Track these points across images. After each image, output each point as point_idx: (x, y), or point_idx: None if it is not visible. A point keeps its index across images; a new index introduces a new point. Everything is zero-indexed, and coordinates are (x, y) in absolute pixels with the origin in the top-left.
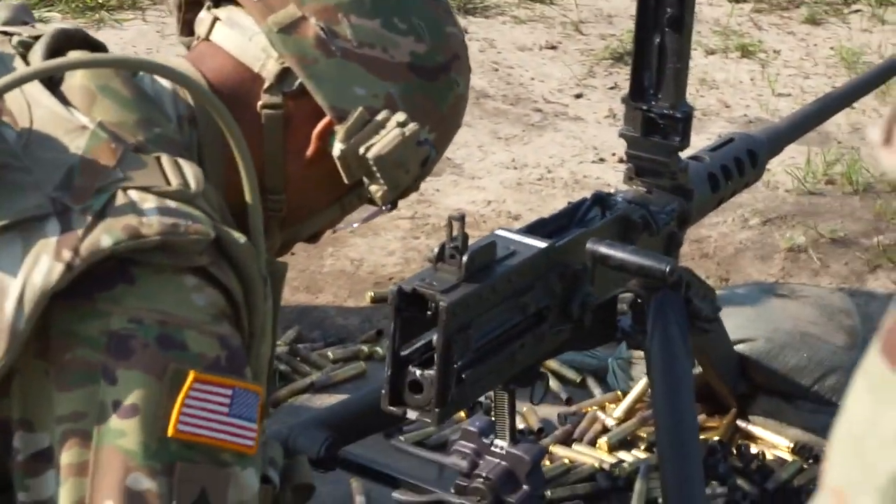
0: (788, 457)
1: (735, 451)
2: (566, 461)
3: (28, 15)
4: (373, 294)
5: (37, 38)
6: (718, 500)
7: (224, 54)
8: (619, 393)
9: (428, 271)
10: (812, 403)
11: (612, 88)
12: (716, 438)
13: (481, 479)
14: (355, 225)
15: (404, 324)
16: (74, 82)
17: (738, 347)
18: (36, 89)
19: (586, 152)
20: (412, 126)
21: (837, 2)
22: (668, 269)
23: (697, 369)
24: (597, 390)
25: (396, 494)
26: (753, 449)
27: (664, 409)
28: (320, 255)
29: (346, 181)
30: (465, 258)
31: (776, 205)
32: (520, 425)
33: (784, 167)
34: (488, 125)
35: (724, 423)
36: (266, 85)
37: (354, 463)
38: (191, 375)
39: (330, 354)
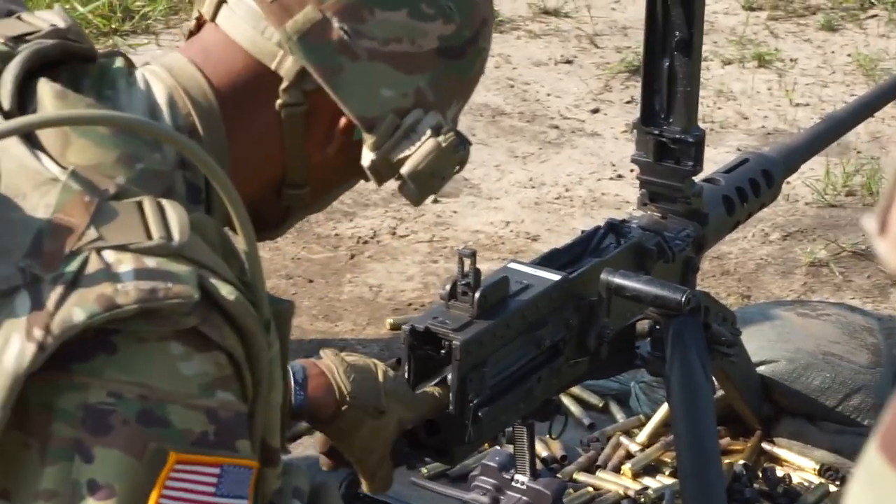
0: (815, 479)
1: (761, 475)
2: (590, 489)
3: (17, 2)
4: (392, 321)
5: (18, 38)
6: None
7: (234, 47)
8: (643, 417)
9: (440, 308)
10: (837, 424)
11: (628, 102)
12: (741, 462)
13: None
14: None
15: (418, 362)
16: (44, 101)
17: (761, 369)
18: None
19: (604, 169)
20: (449, 135)
21: (854, 7)
22: (684, 299)
23: (720, 392)
24: (620, 415)
25: None
26: (779, 472)
27: (685, 438)
28: (339, 281)
29: (376, 185)
30: (477, 295)
31: (796, 218)
32: (542, 453)
33: (803, 179)
34: (505, 144)
35: (749, 446)
36: (285, 84)
37: (374, 500)
38: (172, 456)
39: None
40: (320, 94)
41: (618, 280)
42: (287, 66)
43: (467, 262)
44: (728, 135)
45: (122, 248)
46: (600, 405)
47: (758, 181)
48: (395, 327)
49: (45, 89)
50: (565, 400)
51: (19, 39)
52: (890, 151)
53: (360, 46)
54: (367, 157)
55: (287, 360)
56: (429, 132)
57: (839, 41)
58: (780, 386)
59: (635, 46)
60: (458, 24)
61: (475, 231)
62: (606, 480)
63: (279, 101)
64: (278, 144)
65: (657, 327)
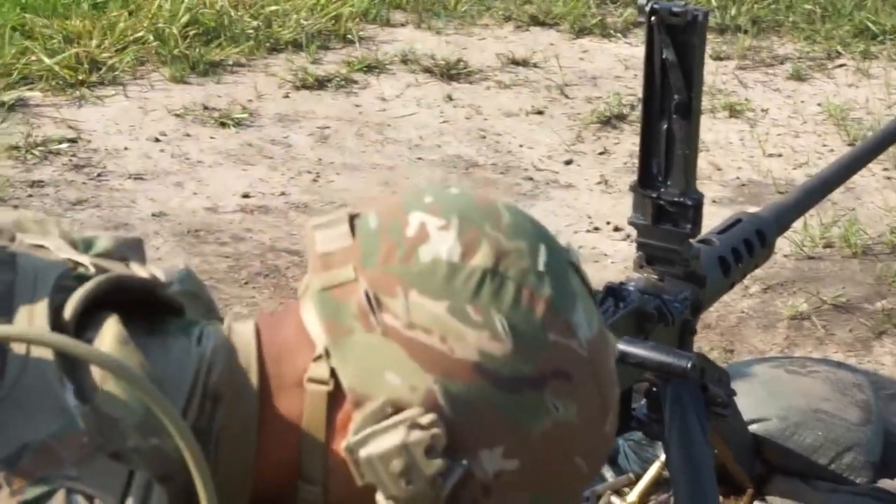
0: None
1: None
2: None
3: (136, 252)
4: None
5: (102, 271)
6: None
7: (295, 318)
8: (632, 475)
9: None
10: (830, 482)
11: (601, 153)
12: None
13: None
14: None
15: None
16: (104, 339)
17: (752, 427)
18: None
19: (580, 221)
20: (429, 433)
21: (821, 57)
22: (689, 366)
23: (714, 450)
24: (608, 473)
25: None
26: None
27: (687, 501)
28: None
29: (357, 482)
30: None
31: (776, 271)
32: None
33: None
34: None
35: None
36: (316, 353)
37: None
38: None
39: None
40: None
41: (621, 346)
42: (322, 334)
43: None
44: (703, 187)
45: (89, 498)
46: None
47: (752, 241)
48: None
49: (113, 327)
50: None
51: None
52: (865, 202)
53: (379, 319)
54: (348, 438)
55: None
56: (409, 422)
57: (808, 90)
58: (772, 444)
59: (605, 97)
60: (510, 349)
61: None
62: None
63: (307, 374)
64: (296, 424)
65: (654, 389)
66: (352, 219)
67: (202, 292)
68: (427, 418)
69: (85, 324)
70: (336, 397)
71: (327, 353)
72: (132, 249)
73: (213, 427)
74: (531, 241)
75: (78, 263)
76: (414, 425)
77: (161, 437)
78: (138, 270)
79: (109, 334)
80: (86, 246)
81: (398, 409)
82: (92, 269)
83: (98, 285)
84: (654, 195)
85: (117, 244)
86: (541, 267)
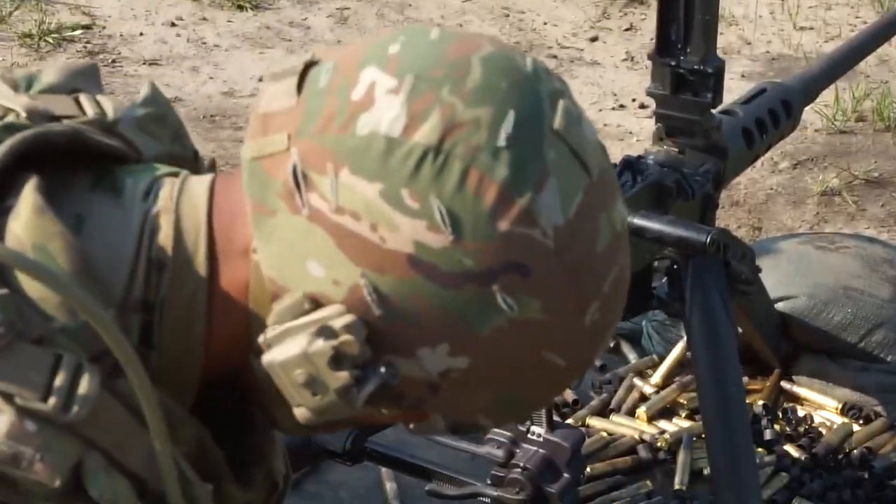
0: (837, 418)
1: (781, 415)
2: (604, 434)
3: (88, 80)
4: None
5: (53, 118)
6: (766, 469)
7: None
8: (656, 357)
9: None
10: (859, 361)
11: (627, 30)
12: (760, 402)
13: (519, 469)
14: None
15: None
16: (14, 229)
17: (779, 306)
18: None
19: (605, 99)
20: (340, 340)
21: None
22: (708, 240)
23: (738, 330)
24: (632, 355)
25: (431, 486)
26: (800, 411)
27: (708, 381)
28: None
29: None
30: None
31: (806, 146)
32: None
33: (812, 106)
34: None
35: (768, 386)
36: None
37: (383, 454)
38: None
39: None
40: None
41: (637, 221)
42: None
43: None
44: (732, 61)
45: (8, 396)
46: (611, 345)
47: (777, 112)
48: None
49: (29, 196)
50: None
51: (54, 119)
52: None
53: (306, 201)
54: (260, 335)
55: None
56: (316, 327)
57: None
58: (799, 322)
59: None
60: (450, 241)
61: None
62: (621, 425)
63: (253, 244)
64: (244, 302)
65: (675, 267)
66: (306, 69)
67: (170, 115)
68: (342, 321)
69: (8, 186)
70: None
71: None
72: (85, 77)
73: (158, 300)
74: (498, 106)
75: (8, 110)
76: (322, 330)
77: None
78: (87, 105)
79: (26, 205)
80: (27, 83)
81: (318, 304)
82: (24, 115)
83: (15, 144)
84: (673, 63)
85: (65, 75)
86: (500, 142)
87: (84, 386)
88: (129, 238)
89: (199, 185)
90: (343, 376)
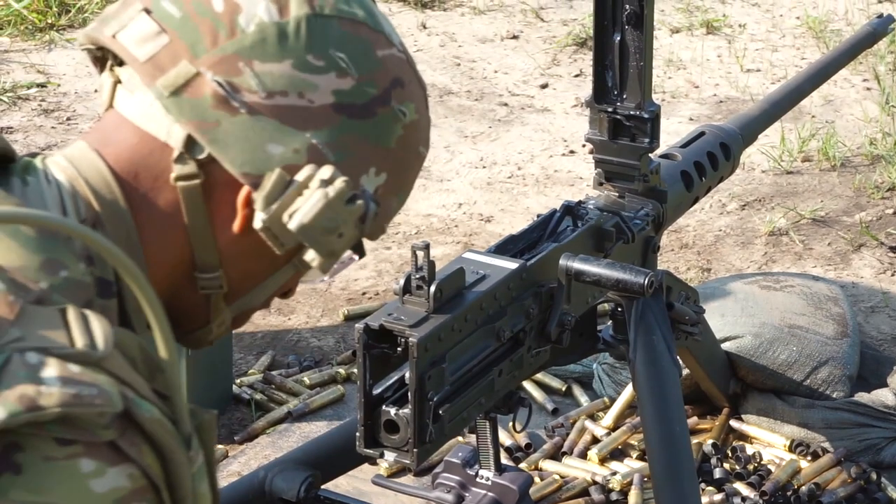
0: (786, 455)
1: (730, 453)
2: (557, 477)
3: None
4: (346, 311)
5: None
6: None
7: (128, 125)
8: (607, 400)
9: (394, 304)
10: (805, 398)
11: (577, 76)
12: (710, 441)
13: None
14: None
15: (374, 362)
16: None
17: (726, 346)
18: None
19: (556, 145)
20: (339, 184)
21: None
22: (647, 282)
23: (685, 371)
24: (583, 398)
25: None
26: (749, 449)
27: (653, 421)
28: None
29: (276, 251)
30: (433, 288)
31: (753, 187)
32: (506, 441)
33: (759, 147)
34: (454, 124)
35: (718, 425)
36: (175, 154)
37: (336, 502)
38: None
39: (306, 380)
40: (214, 164)
41: (577, 265)
42: (175, 133)
43: (420, 254)
44: (680, 105)
45: (44, 350)
46: (563, 389)
47: (715, 154)
48: (350, 318)
49: None
50: (527, 385)
51: None
52: (843, 114)
53: (240, 100)
54: (258, 218)
55: (214, 470)
56: (318, 182)
57: (787, 4)
58: (746, 362)
59: (581, 18)
60: (355, 78)
61: (427, 215)
62: (573, 467)
63: (173, 175)
64: (181, 223)
65: (619, 310)
66: (146, 14)
67: None
68: (326, 171)
69: None
70: (211, 187)
71: (188, 150)
72: None
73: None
74: None
75: None
76: (323, 183)
77: (68, 267)
78: None
79: None
80: None
81: (293, 173)
82: None
83: None
84: (610, 109)
85: None
86: None
87: (96, 327)
88: (58, 210)
89: (74, 150)
90: (358, 206)
